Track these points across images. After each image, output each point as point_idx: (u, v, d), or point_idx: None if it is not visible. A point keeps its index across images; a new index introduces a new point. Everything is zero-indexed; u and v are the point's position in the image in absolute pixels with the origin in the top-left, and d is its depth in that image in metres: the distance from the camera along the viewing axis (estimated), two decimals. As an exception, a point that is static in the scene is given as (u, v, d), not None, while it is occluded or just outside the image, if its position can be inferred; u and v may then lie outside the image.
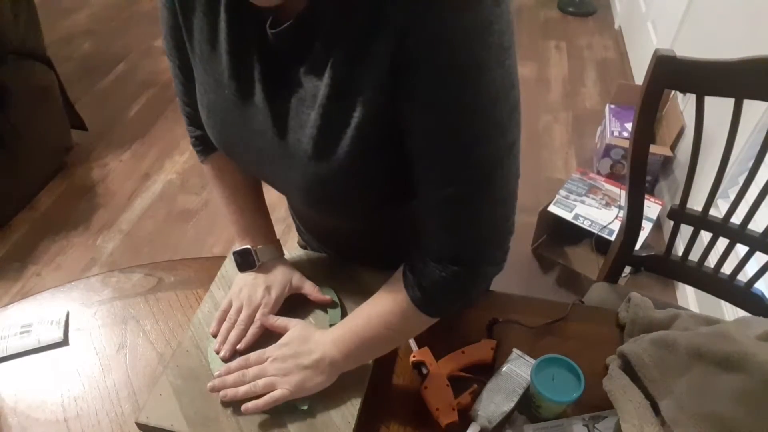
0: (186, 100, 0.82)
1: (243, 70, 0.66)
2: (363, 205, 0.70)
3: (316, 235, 0.99)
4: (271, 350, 0.75)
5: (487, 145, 0.57)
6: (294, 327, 0.78)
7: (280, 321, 0.80)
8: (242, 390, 0.72)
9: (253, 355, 0.75)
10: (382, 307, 0.72)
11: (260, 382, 0.72)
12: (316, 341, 0.74)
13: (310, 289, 0.86)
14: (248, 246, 0.86)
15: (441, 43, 0.51)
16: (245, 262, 0.85)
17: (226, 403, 0.73)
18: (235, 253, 0.86)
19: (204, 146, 0.87)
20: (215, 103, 0.71)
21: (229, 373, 0.74)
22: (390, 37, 0.52)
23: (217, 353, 0.79)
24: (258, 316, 0.81)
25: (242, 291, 0.84)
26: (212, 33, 0.67)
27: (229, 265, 0.91)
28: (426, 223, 0.65)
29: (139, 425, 0.72)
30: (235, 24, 0.64)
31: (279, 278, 0.85)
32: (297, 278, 0.87)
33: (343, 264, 0.92)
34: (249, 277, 0.85)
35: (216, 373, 0.75)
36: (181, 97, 0.83)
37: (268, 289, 0.84)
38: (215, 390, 0.73)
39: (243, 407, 0.70)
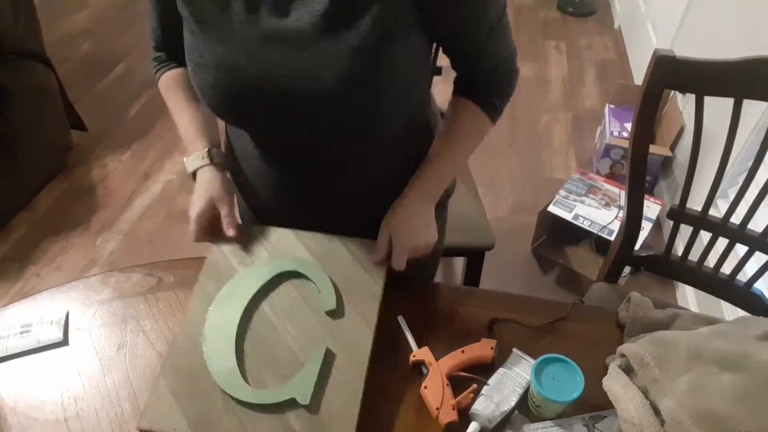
0: (161, 21, 0.89)
1: (255, 8, 0.72)
2: (384, 98, 0.76)
3: (289, 191, 0.96)
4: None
5: None
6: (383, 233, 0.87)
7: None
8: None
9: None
10: (458, 133, 0.89)
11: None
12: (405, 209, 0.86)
13: (226, 210, 0.88)
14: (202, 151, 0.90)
15: None
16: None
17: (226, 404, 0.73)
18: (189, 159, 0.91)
19: (166, 63, 0.96)
20: (225, 55, 0.75)
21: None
22: None
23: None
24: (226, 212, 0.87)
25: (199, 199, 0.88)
26: None
27: (216, 252, 0.89)
28: (481, 58, 0.83)
29: (141, 431, 0.72)
30: None
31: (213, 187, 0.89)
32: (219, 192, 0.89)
33: (323, 236, 0.91)
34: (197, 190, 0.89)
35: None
36: (157, 19, 0.90)
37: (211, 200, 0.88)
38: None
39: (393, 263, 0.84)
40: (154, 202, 2.32)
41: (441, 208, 1.06)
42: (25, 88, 2.15)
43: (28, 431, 0.74)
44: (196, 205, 0.87)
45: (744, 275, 1.13)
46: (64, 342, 0.84)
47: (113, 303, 0.90)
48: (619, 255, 1.22)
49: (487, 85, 0.89)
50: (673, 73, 0.94)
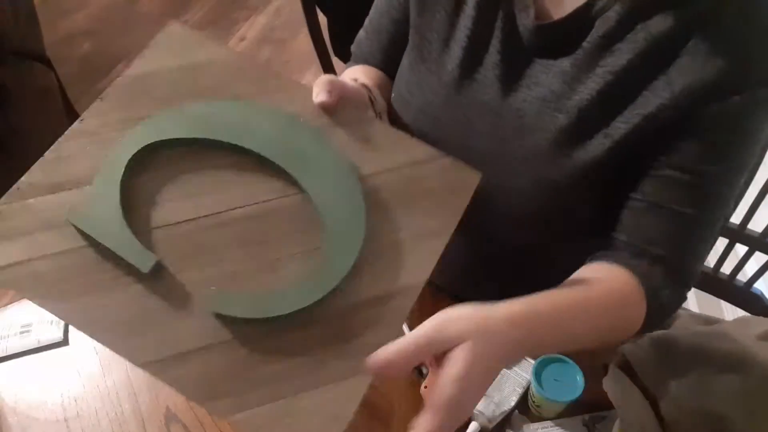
0: (385, 42, 0.77)
1: (476, 67, 0.65)
2: (583, 207, 0.67)
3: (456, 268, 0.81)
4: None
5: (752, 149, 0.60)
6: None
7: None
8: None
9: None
10: (596, 286, 0.57)
11: None
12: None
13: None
14: None
15: None
16: None
17: None
18: None
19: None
20: (432, 104, 0.69)
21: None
22: (733, 61, 0.53)
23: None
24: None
25: None
26: (449, 31, 0.66)
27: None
28: (669, 231, 0.63)
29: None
30: (483, 18, 0.63)
31: None
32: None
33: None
34: None
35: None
36: (380, 39, 0.77)
37: None
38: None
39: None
40: (154, 202, 2.32)
41: None
42: (25, 88, 2.15)
43: (28, 431, 0.74)
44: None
45: (744, 275, 1.13)
46: (64, 342, 0.84)
47: (113, 303, 0.90)
48: (619, 255, 1.22)
49: (663, 259, 0.63)
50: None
